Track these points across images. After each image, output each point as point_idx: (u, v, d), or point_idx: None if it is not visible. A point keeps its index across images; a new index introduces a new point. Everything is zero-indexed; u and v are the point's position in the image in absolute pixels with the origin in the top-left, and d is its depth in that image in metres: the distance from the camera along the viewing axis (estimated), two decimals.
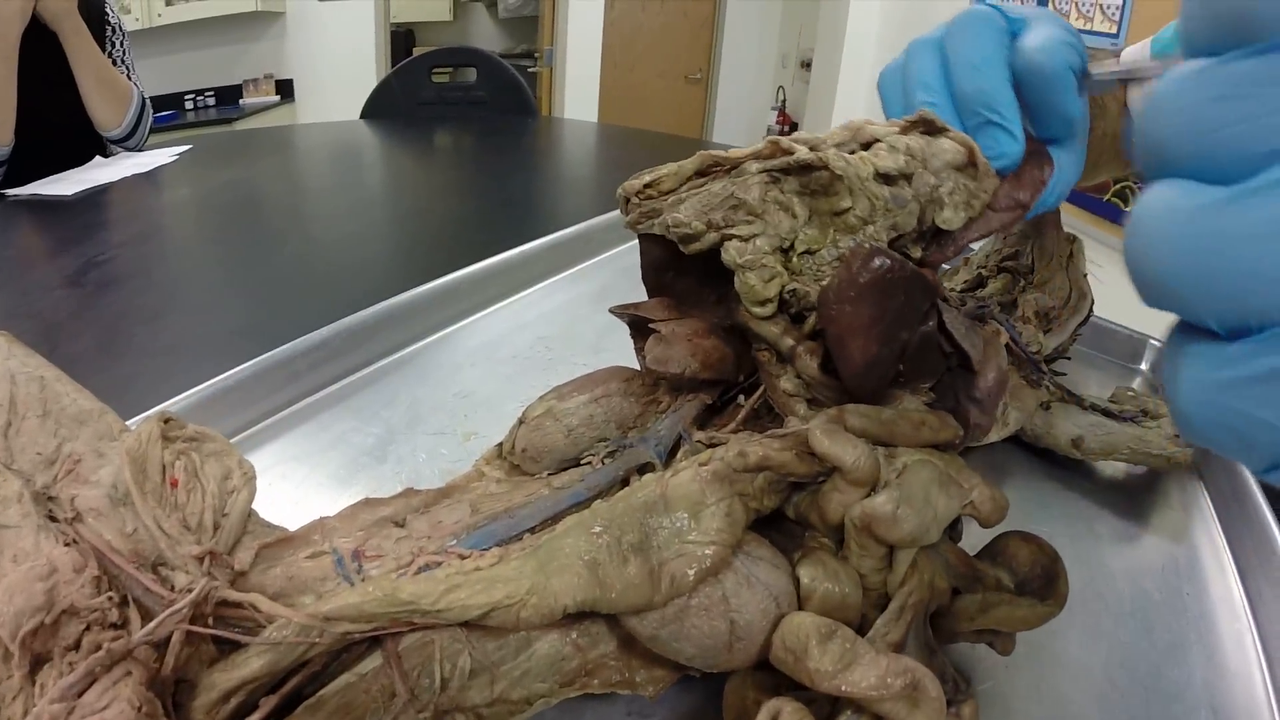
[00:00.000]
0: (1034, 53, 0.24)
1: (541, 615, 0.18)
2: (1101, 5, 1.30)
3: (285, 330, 0.41)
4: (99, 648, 0.16)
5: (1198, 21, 0.13)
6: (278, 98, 3.00)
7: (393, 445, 0.36)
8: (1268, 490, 0.32)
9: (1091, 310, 0.40)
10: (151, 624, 0.16)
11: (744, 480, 0.20)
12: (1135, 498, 0.35)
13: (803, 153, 0.22)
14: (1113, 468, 0.37)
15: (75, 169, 0.91)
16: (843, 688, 0.17)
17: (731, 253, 0.22)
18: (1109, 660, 0.26)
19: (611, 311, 0.28)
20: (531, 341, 0.47)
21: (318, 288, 0.58)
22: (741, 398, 0.27)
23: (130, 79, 1.04)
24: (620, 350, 0.30)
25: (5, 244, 0.67)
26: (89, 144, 1.00)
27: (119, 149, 1.04)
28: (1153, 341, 0.48)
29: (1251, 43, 0.12)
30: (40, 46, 0.90)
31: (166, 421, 0.20)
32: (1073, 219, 1.28)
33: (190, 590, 0.17)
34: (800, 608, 0.20)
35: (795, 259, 0.22)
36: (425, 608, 0.17)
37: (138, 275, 0.59)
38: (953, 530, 0.23)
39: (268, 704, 0.17)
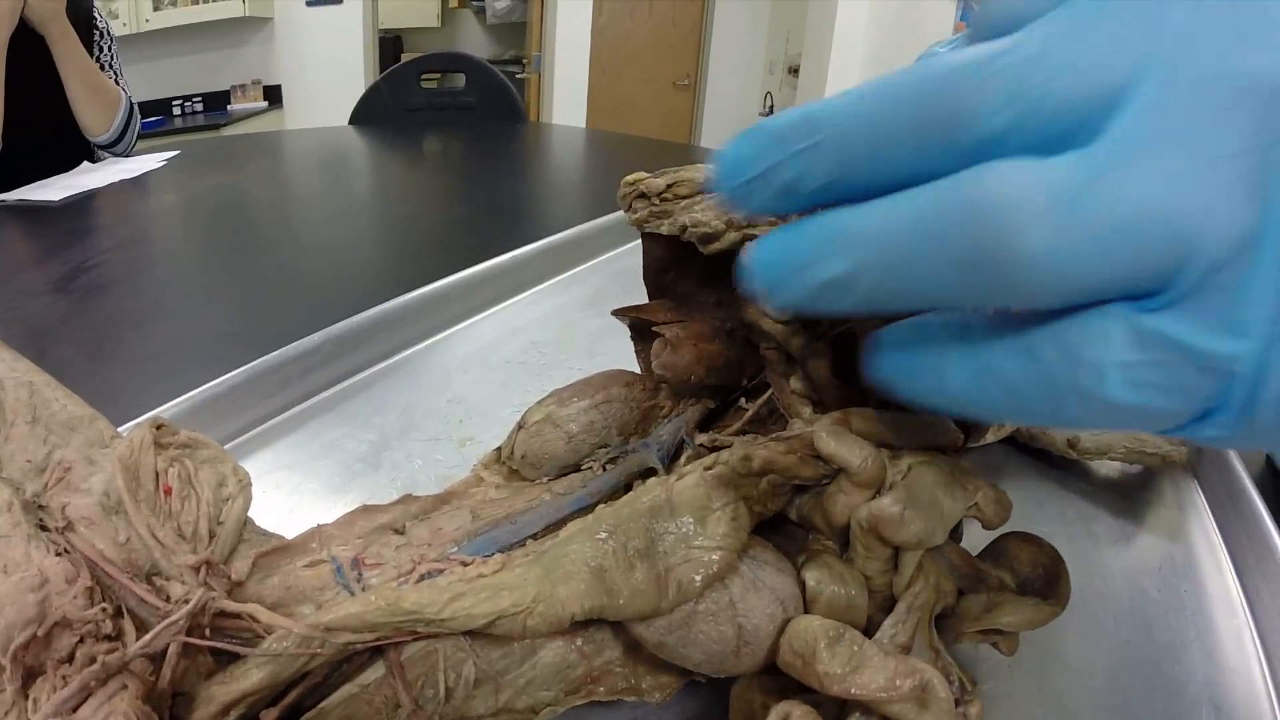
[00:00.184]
0: None
1: (549, 623, 0.17)
2: None
3: (276, 336, 0.41)
4: (93, 660, 0.15)
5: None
6: (266, 103, 2.99)
7: (387, 451, 0.36)
8: (1261, 486, 0.33)
9: None
10: (147, 636, 0.16)
11: (749, 484, 0.20)
12: (1131, 497, 0.35)
13: None
14: (1108, 467, 0.37)
15: (62, 174, 0.90)
16: (852, 690, 0.17)
17: None
18: (1110, 659, 0.26)
19: (614, 314, 0.27)
20: (525, 346, 0.46)
21: (308, 293, 0.58)
22: (744, 401, 0.26)
23: (118, 84, 1.03)
24: (614, 355, 0.30)
25: None
26: (76, 149, 0.99)
27: (107, 154, 1.03)
28: None
29: None
30: (27, 50, 0.89)
31: (159, 428, 0.20)
32: None
33: (186, 601, 0.17)
34: (806, 611, 0.20)
35: None
36: (429, 617, 0.17)
37: (126, 281, 0.58)
38: (954, 532, 0.23)
39: (268, 717, 0.17)
